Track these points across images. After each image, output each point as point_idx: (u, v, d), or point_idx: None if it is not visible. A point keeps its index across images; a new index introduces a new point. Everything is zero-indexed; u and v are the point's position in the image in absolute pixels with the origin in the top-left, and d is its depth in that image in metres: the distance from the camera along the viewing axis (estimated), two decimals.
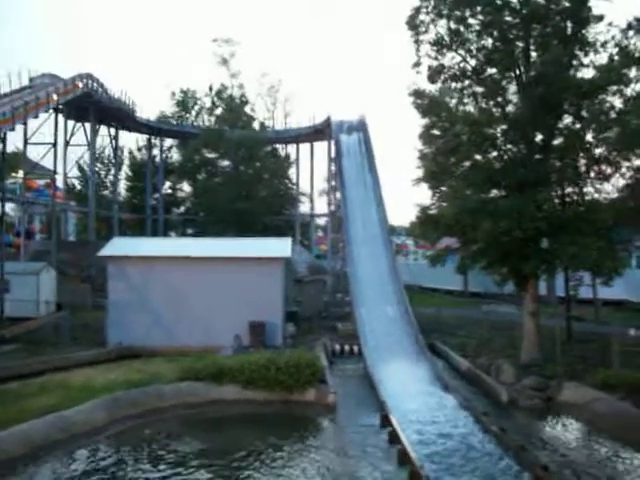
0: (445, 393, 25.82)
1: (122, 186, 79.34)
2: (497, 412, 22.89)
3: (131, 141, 77.49)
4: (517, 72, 29.01)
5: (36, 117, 45.68)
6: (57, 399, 21.55)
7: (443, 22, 29.11)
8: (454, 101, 30.96)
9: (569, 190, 29.66)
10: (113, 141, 70.79)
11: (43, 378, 24.94)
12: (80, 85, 53.11)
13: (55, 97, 47.56)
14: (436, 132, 31.15)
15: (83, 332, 34.93)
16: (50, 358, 29.20)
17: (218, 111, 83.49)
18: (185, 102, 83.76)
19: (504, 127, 29.19)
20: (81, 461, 17.97)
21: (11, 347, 32.10)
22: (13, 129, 40.93)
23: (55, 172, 55.57)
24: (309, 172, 74.44)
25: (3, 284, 37.87)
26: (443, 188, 31.50)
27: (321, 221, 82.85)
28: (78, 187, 73.70)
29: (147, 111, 73.76)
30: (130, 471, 17.18)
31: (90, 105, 58.31)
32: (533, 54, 29.12)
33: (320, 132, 66.54)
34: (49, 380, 24.60)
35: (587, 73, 28.81)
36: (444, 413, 22.91)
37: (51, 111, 50.45)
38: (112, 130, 69.32)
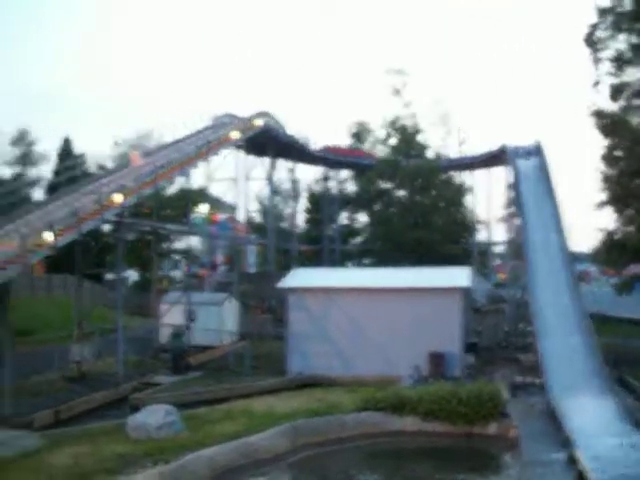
0: (636, 432, 24.30)
1: (300, 218, 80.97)
2: None
3: (308, 174, 78.88)
4: None
5: (217, 154, 47.39)
6: (241, 425, 22.15)
7: (623, 37, 27.94)
8: (638, 119, 29.49)
9: None
10: (290, 174, 72.47)
11: (227, 405, 25.79)
12: (259, 123, 54.78)
13: (236, 135, 49.19)
14: (620, 153, 29.81)
15: (264, 361, 35.74)
16: (234, 386, 30.18)
17: (392, 141, 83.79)
18: (360, 133, 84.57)
19: None
20: None
21: (197, 374, 33.64)
22: (197, 166, 42.71)
23: (236, 206, 57.47)
24: (485, 199, 73.30)
25: (191, 314, 39.35)
26: (629, 211, 30.02)
27: (499, 249, 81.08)
28: (258, 220, 75.85)
29: (323, 143, 74.83)
30: None
31: (268, 141, 59.90)
32: None
33: (496, 158, 65.30)
34: (233, 407, 25.42)
35: None
36: (635, 453, 21.55)
37: (232, 148, 52.23)
38: (289, 164, 70.98)
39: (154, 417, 21.31)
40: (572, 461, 19.89)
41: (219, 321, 40.97)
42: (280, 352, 34.99)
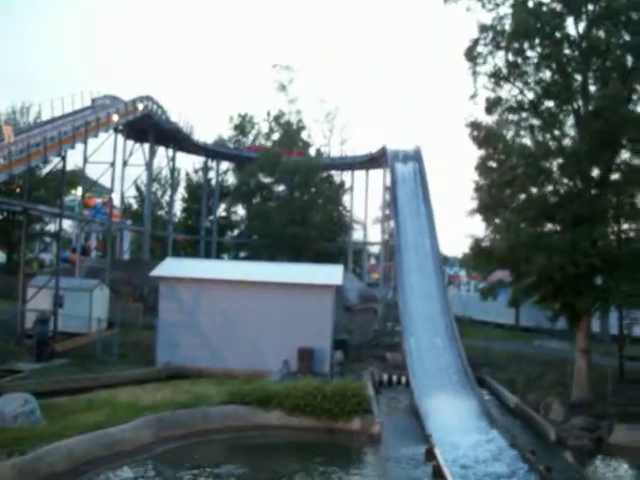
0: (492, 429, 25.42)
1: (177, 207, 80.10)
2: (544, 451, 22.47)
3: (188, 163, 78.16)
4: (575, 105, 28.73)
5: (96, 137, 46.40)
6: (103, 416, 21.79)
7: (501, 54, 28.98)
8: (511, 133, 30.62)
9: (626, 227, 29.15)
10: (170, 162, 71.54)
11: (91, 394, 25.17)
12: (140, 107, 53.87)
13: (116, 118, 48.28)
14: (492, 164, 30.90)
15: (132, 350, 35.16)
16: (99, 375, 29.54)
17: (275, 136, 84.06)
18: (243, 126, 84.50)
19: (560, 161, 28.86)
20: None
21: (62, 362, 32.57)
22: (73, 147, 41.61)
23: (112, 191, 56.40)
24: (363, 200, 74.35)
25: (58, 299, 38.26)
26: (497, 220, 31.18)
27: (374, 249, 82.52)
28: (134, 206, 74.66)
29: (205, 134, 74.34)
30: None
31: (149, 126, 58.96)
32: (592, 87, 28.82)
33: (375, 160, 66.41)
34: (97, 397, 24.84)
35: None
36: (490, 449, 22.57)
37: (111, 131, 51.21)
38: (170, 151, 70.08)
39: (11, 406, 20.58)
40: (430, 456, 20.63)
41: (88, 308, 40.02)
42: (150, 342, 34.56)
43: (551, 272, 26.20)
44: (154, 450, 20.71)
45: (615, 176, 28.84)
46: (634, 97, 28.17)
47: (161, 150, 68.99)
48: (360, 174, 73.82)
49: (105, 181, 56.11)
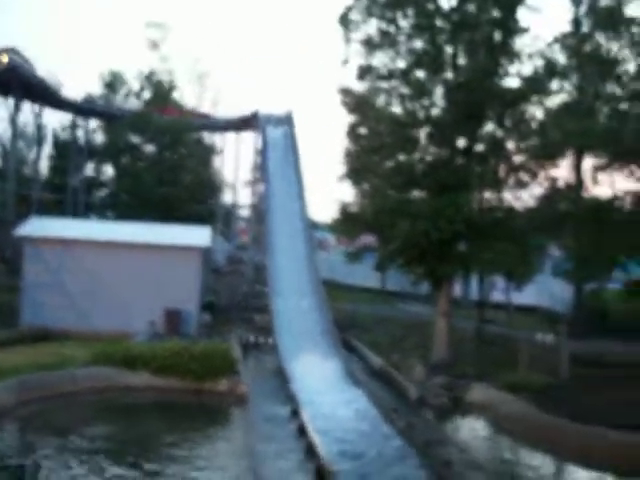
0: (356, 389, 26.12)
1: (44, 165, 77.60)
2: (406, 409, 23.31)
3: (55, 120, 75.78)
4: (444, 76, 29.48)
5: None
6: None
7: (374, 22, 29.37)
8: (381, 101, 31.19)
9: (488, 196, 30.28)
10: (37, 118, 69.20)
11: None
12: (4, 59, 51.77)
13: None
14: (363, 131, 31.43)
15: None
16: None
17: (146, 95, 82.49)
18: (113, 84, 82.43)
19: (428, 130, 29.62)
20: None
21: None
22: None
23: None
24: (234, 163, 74.19)
25: None
26: (365, 186, 31.80)
27: (244, 212, 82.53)
28: None
29: (74, 91, 72.16)
30: (35, 456, 16.92)
31: (13, 79, 56.85)
32: (461, 60, 29.63)
33: (247, 123, 66.25)
34: None
35: (512, 83, 29.55)
36: (354, 408, 23.20)
37: None
38: (36, 107, 67.76)
39: None
40: (295, 415, 21.09)
41: None
42: (14, 304, 33.56)
43: (415, 238, 26.95)
44: (16, 414, 20.22)
45: (479, 147, 29.87)
46: (500, 71, 29.15)
47: (27, 106, 66.59)
48: (231, 137, 73.62)
49: None
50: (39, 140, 71.63)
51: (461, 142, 29.71)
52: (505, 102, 28.48)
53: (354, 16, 29.46)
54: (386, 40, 29.38)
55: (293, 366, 28.86)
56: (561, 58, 28.89)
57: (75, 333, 30.59)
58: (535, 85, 28.58)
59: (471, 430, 22.93)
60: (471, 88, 27.55)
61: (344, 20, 29.57)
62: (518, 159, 29.39)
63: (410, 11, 28.81)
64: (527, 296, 44.33)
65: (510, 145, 29.67)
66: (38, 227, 35.24)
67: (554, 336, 30.96)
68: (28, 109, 67.15)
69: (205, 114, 77.81)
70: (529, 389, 23.51)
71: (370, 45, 29.54)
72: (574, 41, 34.95)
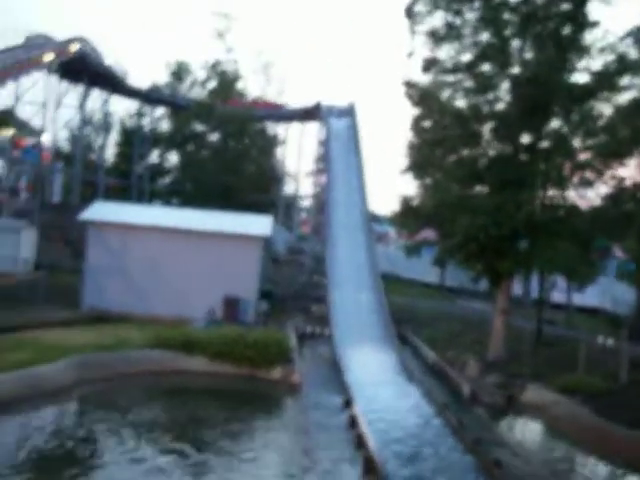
0: (409, 383, 25.98)
1: (110, 152, 78.93)
2: (458, 406, 23.09)
3: (122, 107, 77.09)
4: (510, 70, 29.06)
5: (28, 75, 45.33)
6: (27, 356, 21.54)
7: (440, 14, 29.10)
8: (446, 94, 30.89)
9: (551, 193, 29.76)
10: (104, 105, 70.39)
11: (15, 335, 24.81)
12: (74, 48, 52.73)
13: (48, 57, 47.19)
14: (427, 124, 31.18)
15: (59, 293, 34.72)
16: (24, 315, 29.15)
17: (211, 85, 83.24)
18: (179, 73, 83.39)
19: (492, 124, 29.26)
20: (45, 419, 18.08)
21: None
22: (3, 86, 40.66)
23: (44, 132, 55.37)
24: (297, 153, 74.47)
25: None
26: (427, 180, 31.58)
27: (305, 203, 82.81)
28: (66, 149, 73.36)
29: (141, 80, 73.34)
30: (92, 433, 17.31)
31: (83, 68, 57.89)
32: (528, 54, 29.17)
33: (310, 114, 66.44)
34: (21, 337, 24.47)
35: (580, 78, 28.97)
36: (406, 402, 23.08)
37: (44, 71, 50.06)
38: (104, 95, 68.92)
39: None
40: (347, 405, 21.08)
41: (15, 248, 39.44)
42: (77, 286, 34.21)
43: (475, 233, 26.69)
44: (76, 391, 20.67)
45: (544, 143, 29.37)
46: (568, 66, 28.60)
47: (95, 93, 67.80)
48: (294, 127, 73.87)
49: (37, 122, 55.10)
50: (106, 127, 72.92)
51: (525, 138, 29.24)
52: (573, 98, 27.90)
53: (420, 8, 29.20)
54: (452, 32, 29.07)
55: (348, 357, 28.82)
56: (633, 53, 28.01)
57: (134, 317, 31.10)
58: (605, 81, 27.96)
59: (523, 431, 22.64)
60: (538, 83, 27.09)
61: (410, 12, 29.35)
62: (584, 157, 28.80)
63: (477, 3, 28.47)
64: (589, 297, 43.68)
65: (576, 142, 29.08)
66: (102, 212, 35.83)
67: (615, 339, 30.32)
68: (96, 97, 68.40)
69: (273, 103, 78.05)
70: (586, 392, 23.04)
71: (435, 37, 29.26)
72: None
